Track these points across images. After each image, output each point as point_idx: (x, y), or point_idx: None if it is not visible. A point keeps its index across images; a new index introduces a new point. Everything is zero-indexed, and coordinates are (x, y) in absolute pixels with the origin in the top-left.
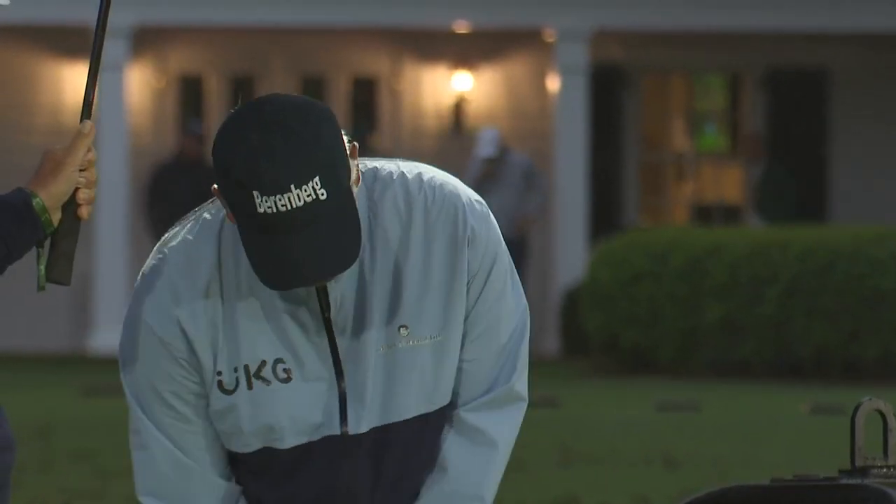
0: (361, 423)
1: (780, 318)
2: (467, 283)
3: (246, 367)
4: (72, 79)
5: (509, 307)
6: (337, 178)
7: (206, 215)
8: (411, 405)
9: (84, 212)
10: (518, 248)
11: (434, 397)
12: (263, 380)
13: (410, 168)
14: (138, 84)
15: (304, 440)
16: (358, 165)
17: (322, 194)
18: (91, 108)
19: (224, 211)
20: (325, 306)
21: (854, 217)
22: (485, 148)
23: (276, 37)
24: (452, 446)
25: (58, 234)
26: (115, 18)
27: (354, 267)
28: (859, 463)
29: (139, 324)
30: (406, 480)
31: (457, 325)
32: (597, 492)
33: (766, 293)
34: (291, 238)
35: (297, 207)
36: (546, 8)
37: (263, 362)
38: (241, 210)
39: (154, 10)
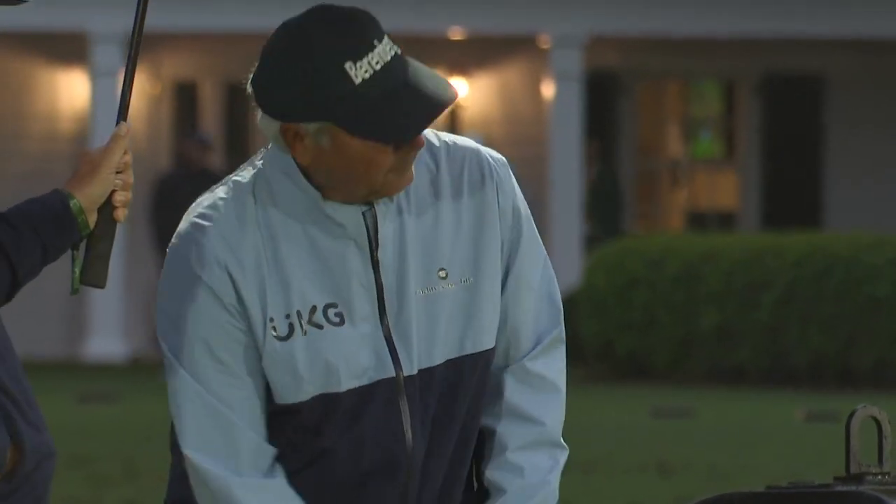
0: (412, 364)
1: (776, 324)
2: (499, 226)
3: (298, 313)
4: (67, 85)
5: (541, 250)
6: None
7: (236, 177)
8: (454, 347)
9: (120, 214)
10: None
11: (475, 339)
12: (316, 325)
13: (429, 130)
14: (133, 90)
15: (359, 383)
16: None
17: (397, 48)
18: (127, 110)
19: (253, 167)
20: (374, 245)
21: (850, 223)
22: None
23: None
24: (524, 396)
25: (93, 236)
26: (109, 25)
27: (395, 207)
28: (854, 470)
29: (185, 276)
30: (454, 422)
31: (493, 266)
32: (591, 499)
33: (762, 300)
34: (399, 90)
35: (388, 62)
36: (541, 14)
37: (314, 307)
38: (339, 97)
39: (149, 16)
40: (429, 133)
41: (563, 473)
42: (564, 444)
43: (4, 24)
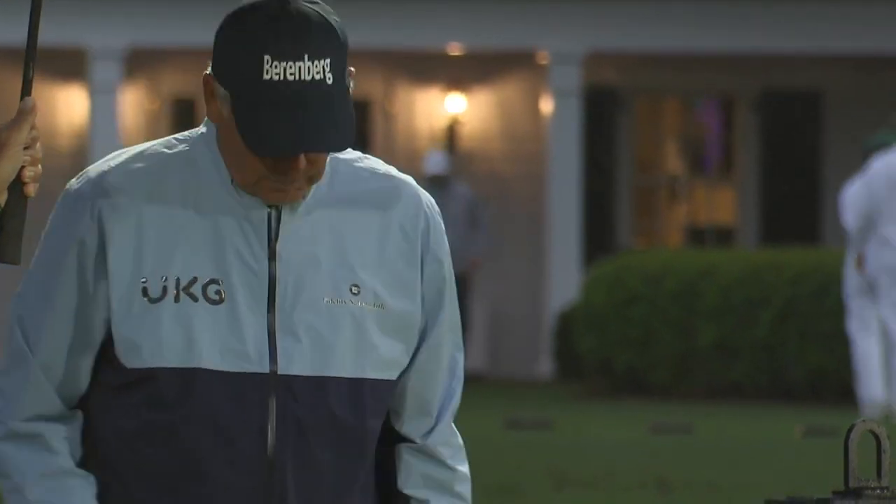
0: (293, 365)
1: (774, 340)
2: (421, 265)
3: (177, 280)
4: (66, 101)
5: (459, 325)
6: (343, 72)
7: (154, 142)
8: (346, 364)
9: (31, 189)
10: (462, 284)
11: (376, 366)
12: (191, 296)
13: (372, 157)
14: (131, 106)
15: (224, 368)
16: (352, 85)
17: (329, 78)
18: (31, 86)
19: (185, 134)
20: (274, 235)
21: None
22: (433, 165)
23: None
24: (438, 468)
25: (5, 214)
26: (108, 40)
27: (312, 205)
28: (853, 484)
29: (62, 217)
30: (339, 440)
31: (405, 302)
32: None
33: (760, 316)
34: (291, 108)
35: (305, 80)
36: (539, 30)
37: (195, 279)
38: (243, 79)
39: (147, 32)
40: (371, 159)
41: (562, 490)
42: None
43: (3, 39)
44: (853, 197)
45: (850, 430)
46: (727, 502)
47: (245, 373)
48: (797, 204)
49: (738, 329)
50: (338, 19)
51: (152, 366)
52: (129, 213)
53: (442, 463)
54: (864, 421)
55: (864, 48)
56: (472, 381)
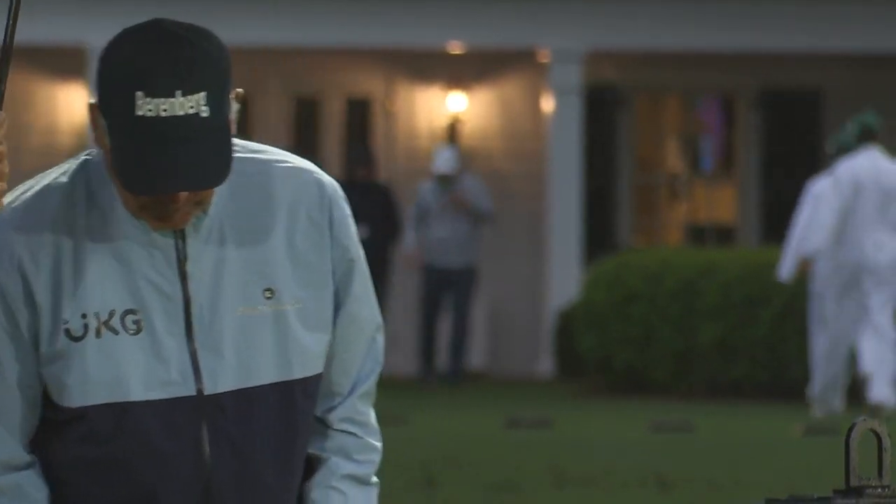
0: (218, 382)
1: (774, 339)
2: (331, 255)
3: (96, 315)
4: (66, 100)
5: (373, 295)
6: (221, 103)
7: (53, 173)
8: (273, 370)
9: None
10: (471, 276)
11: (304, 364)
12: (112, 329)
13: (276, 149)
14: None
15: (155, 396)
16: (237, 110)
17: (204, 111)
18: (2, 99)
19: (80, 157)
20: (182, 257)
21: None
22: (441, 164)
23: (269, 58)
24: (349, 437)
25: None
26: (108, 39)
27: (216, 222)
28: (854, 483)
29: None
30: (274, 447)
31: (325, 292)
32: None
33: (760, 314)
34: (165, 146)
35: (178, 116)
36: (540, 28)
37: (113, 312)
38: (117, 113)
39: None
40: (275, 152)
41: (562, 488)
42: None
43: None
44: (821, 199)
45: (850, 429)
46: (727, 501)
47: (173, 398)
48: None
49: (739, 327)
50: (217, 44)
51: (83, 404)
52: (45, 254)
53: (344, 432)
54: (864, 419)
55: (865, 47)
56: (473, 379)
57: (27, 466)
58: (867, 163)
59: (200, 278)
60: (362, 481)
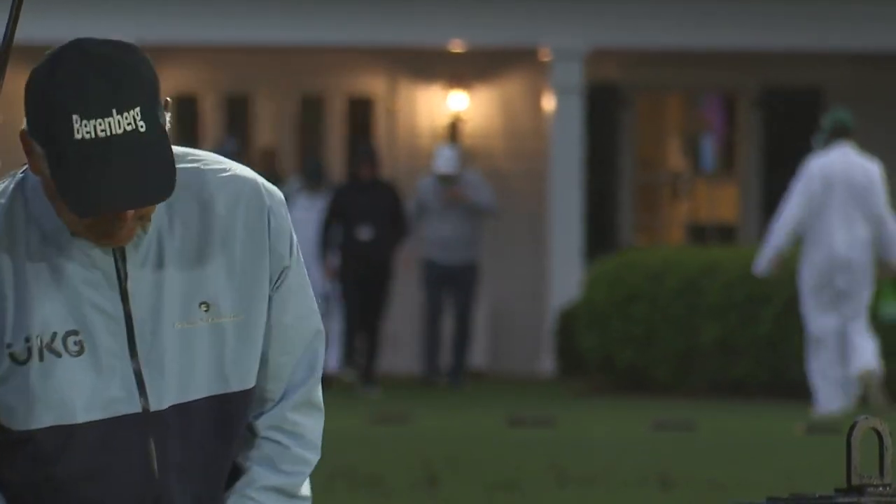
0: (163, 399)
1: (776, 337)
2: (269, 264)
3: (39, 338)
4: None
5: (310, 299)
6: (156, 115)
7: (6, 181)
8: (210, 383)
9: None
10: (474, 273)
11: (241, 377)
12: (54, 352)
13: (213, 156)
14: None
15: (100, 416)
16: (168, 117)
17: (142, 126)
18: None
19: (16, 176)
20: (123, 275)
21: None
22: (443, 164)
23: (271, 56)
24: (277, 446)
25: None
26: (110, 37)
27: (153, 237)
28: (855, 482)
29: None
30: (214, 459)
31: (259, 305)
32: None
33: (762, 313)
34: (107, 166)
35: (117, 134)
36: (541, 27)
37: (55, 334)
38: (56, 139)
39: (149, 28)
40: (213, 161)
41: (564, 487)
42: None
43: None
44: (792, 196)
45: (852, 428)
46: (729, 499)
47: (119, 416)
48: None
49: (740, 326)
50: (141, 57)
51: (29, 428)
52: None
53: (270, 440)
54: (866, 418)
55: (866, 45)
56: (474, 378)
57: None
58: (838, 159)
59: (141, 296)
60: (287, 493)
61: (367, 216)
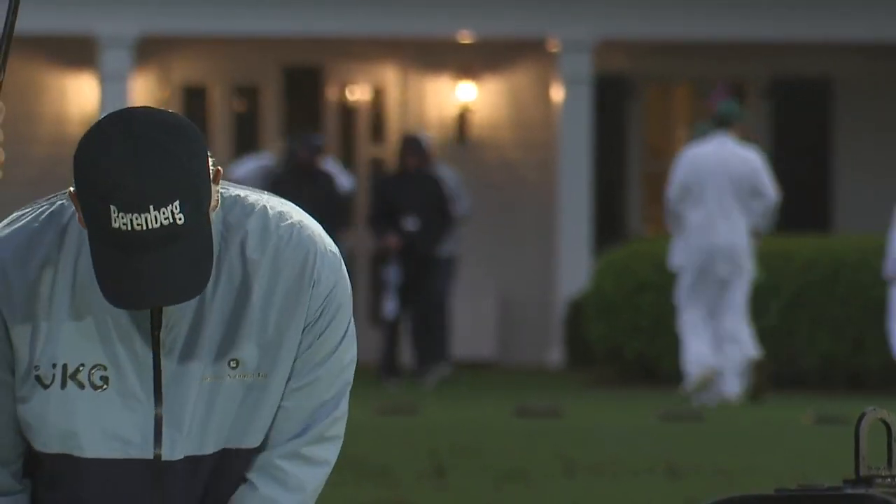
0: (176, 449)
1: (785, 328)
2: (303, 329)
3: (65, 367)
4: (75, 89)
5: (341, 364)
6: (197, 203)
7: (61, 202)
8: (226, 438)
9: None
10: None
11: (249, 434)
12: (78, 382)
13: (274, 204)
14: (142, 94)
15: (109, 455)
16: (220, 191)
17: (180, 219)
18: None
19: (54, 203)
20: (155, 324)
21: (859, 227)
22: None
23: (279, 47)
24: (260, 483)
25: None
26: (119, 28)
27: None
28: (863, 473)
29: None
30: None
31: (285, 366)
32: (599, 502)
33: (770, 303)
34: (142, 258)
35: (153, 229)
36: (550, 18)
37: (82, 365)
38: (95, 221)
39: (158, 20)
40: (272, 216)
41: (572, 477)
42: None
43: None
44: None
45: (860, 419)
46: (737, 489)
47: (130, 459)
48: (807, 191)
49: (749, 316)
50: (189, 140)
51: (40, 450)
52: (22, 296)
53: (248, 482)
54: (874, 409)
55: (875, 36)
56: (482, 368)
57: (8, 493)
58: (714, 149)
59: (172, 346)
60: None
61: (412, 208)
